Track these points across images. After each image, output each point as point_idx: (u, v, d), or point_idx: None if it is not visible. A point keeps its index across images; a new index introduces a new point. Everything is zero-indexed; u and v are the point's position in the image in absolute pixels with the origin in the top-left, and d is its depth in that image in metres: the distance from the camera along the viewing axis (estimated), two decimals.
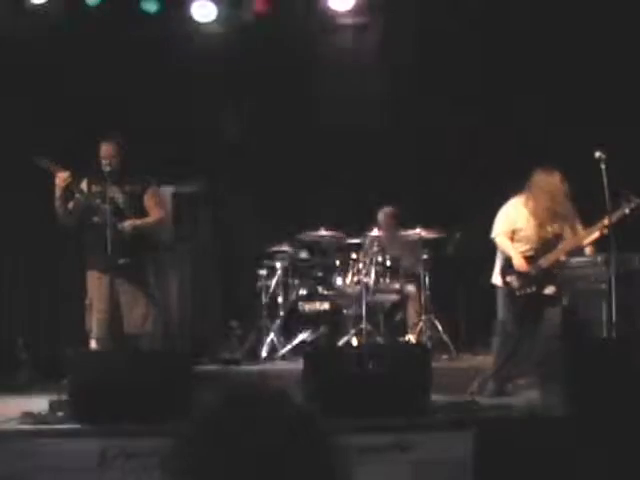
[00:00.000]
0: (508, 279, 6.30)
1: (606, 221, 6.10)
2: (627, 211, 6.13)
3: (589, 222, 6.31)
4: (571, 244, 6.32)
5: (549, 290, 6.27)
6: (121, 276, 6.08)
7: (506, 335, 6.33)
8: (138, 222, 6.18)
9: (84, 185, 6.21)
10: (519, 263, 6.24)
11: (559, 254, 6.28)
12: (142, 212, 6.26)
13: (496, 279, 6.43)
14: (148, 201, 6.31)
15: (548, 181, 6.22)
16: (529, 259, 6.27)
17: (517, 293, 6.28)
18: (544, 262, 6.25)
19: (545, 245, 6.29)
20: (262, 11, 8.42)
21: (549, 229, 6.27)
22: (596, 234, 6.24)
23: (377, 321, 8.02)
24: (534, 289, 6.25)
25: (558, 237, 6.30)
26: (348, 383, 5.08)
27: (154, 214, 6.31)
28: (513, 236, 6.35)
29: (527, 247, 6.32)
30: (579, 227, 6.35)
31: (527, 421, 5.13)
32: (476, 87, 8.55)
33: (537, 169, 6.30)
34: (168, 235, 7.75)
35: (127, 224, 6.11)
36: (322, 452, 1.21)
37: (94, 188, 6.21)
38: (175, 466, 1.21)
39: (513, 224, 6.33)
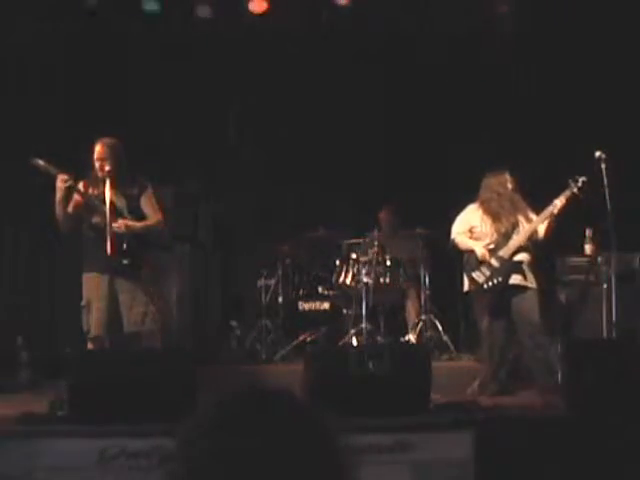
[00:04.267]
0: (473, 275, 6.41)
1: (557, 202, 6.28)
2: (575, 190, 6.28)
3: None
4: (528, 230, 6.42)
5: (515, 279, 6.36)
6: (120, 275, 6.07)
7: (489, 340, 6.40)
8: (136, 225, 6.15)
9: (81, 187, 6.18)
10: (481, 253, 6.39)
11: (518, 242, 6.39)
12: (140, 214, 6.25)
13: (465, 285, 6.53)
14: (145, 204, 6.30)
15: (493, 182, 6.51)
16: (490, 252, 6.40)
17: (485, 287, 6.36)
18: (505, 252, 6.37)
19: (503, 236, 6.42)
20: (261, 9, 8.41)
21: (504, 221, 6.43)
22: (549, 218, 6.36)
23: (377, 321, 8.01)
24: (500, 280, 6.33)
25: (514, 227, 6.44)
26: (348, 383, 5.08)
27: (151, 217, 6.30)
28: (471, 235, 6.53)
29: (486, 242, 6.45)
30: (532, 215, 6.48)
31: (527, 421, 5.13)
32: (475, 87, 8.55)
33: (487, 173, 6.56)
34: (167, 235, 7.74)
35: (120, 223, 6.06)
36: (326, 452, 1.21)
37: (91, 190, 6.19)
38: (176, 467, 1.21)
39: (468, 223, 6.55)
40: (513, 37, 8.44)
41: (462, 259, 6.57)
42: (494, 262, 6.35)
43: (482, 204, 6.53)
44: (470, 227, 6.54)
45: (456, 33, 8.39)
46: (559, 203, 6.29)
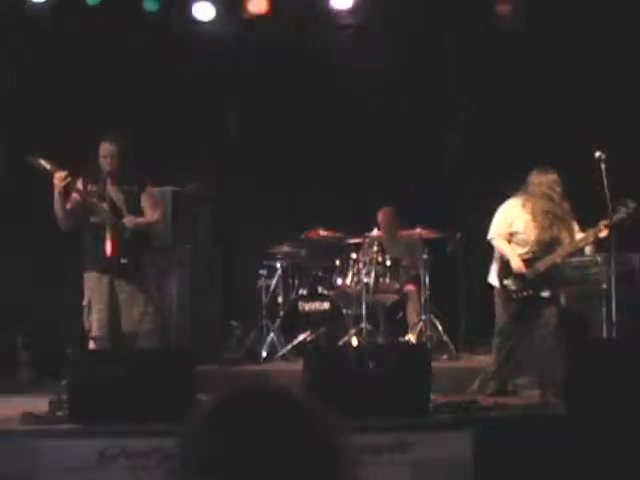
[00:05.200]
0: (505, 282, 6.28)
1: (602, 225, 6.10)
2: (624, 215, 6.08)
3: (588, 222, 6.31)
4: (569, 248, 6.30)
5: (545, 293, 6.26)
6: (120, 275, 6.07)
7: (504, 335, 6.34)
8: (140, 219, 6.18)
9: (79, 185, 6.18)
10: (517, 266, 6.21)
11: (557, 257, 6.25)
12: (139, 212, 6.26)
13: (493, 280, 6.42)
14: (145, 201, 6.30)
15: (544, 182, 6.22)
16: (526, 262, 6.24)
17: (514, 296, 6.28)
18: (541, 265, 6.22)
19: (543, 248, 6.25)
20: (261, 10, 8.41)
21: (547, 232, 6.23)
22: (592, 238, 6.25)
23: (377, 321, 8.01)
24: (531, 292, 6.24)
25: (556, 240, 6.26)
26: (348, 383, 5.08)
27: (151, 214, 6.30)
28: (511, 238, 6.32)
29: (525, 250, 6.29)
30: (576, 228, 6.33)
31: (527, 421, 5.14)
32: (475, 87, 8.55)
33: (534, 169, 6.29)
34: (167, 235, 7.73)
35: (129, 219, 6.09)
36: (326, 451, 1.21)
37: (90, 187, 6.19)
38: (178, 467, 1.21)
39: (510, 226, 6.30)
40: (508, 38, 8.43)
41: (493, 250, 6.41)
42: (529, 274, 6.21)
43: (528, 204, 6.23)
44: (512, 231, 6.30)
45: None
46: (605, 229, 6.08)
